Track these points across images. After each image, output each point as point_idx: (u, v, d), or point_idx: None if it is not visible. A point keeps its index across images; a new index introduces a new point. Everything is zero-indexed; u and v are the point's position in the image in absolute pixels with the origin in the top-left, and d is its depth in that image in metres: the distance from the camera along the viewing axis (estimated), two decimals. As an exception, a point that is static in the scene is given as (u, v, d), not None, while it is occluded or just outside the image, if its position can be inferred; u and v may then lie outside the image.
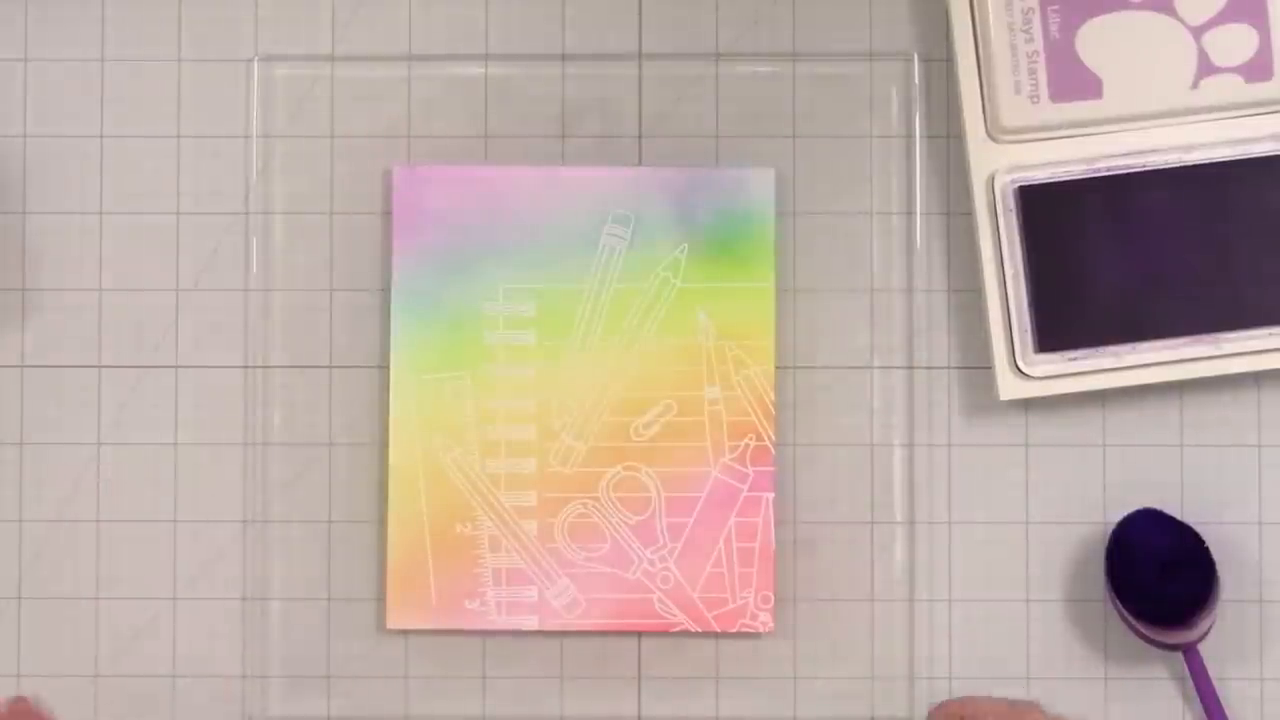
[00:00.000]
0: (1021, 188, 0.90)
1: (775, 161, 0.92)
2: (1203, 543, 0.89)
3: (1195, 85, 0.90)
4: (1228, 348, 0.89)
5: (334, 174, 0.93)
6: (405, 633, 0.92)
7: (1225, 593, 0.91)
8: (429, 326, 0.91)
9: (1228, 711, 0.90)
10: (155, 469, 0.92)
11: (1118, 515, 0.91)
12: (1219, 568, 0.90)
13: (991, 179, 0.90)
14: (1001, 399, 0.90)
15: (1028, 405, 0.92)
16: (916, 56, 0.92)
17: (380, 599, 0.92)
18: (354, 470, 0.92)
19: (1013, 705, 0.89)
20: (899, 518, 0.91)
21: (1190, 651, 0.89)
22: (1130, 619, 0.89)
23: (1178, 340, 0.89)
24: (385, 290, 0.92)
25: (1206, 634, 0.90)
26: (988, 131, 0.90)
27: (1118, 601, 0.89)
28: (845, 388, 0.92)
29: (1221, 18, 0.90)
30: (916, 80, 0.92)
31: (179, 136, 0.93)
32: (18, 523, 0.92)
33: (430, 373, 0.91)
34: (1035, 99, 0.90)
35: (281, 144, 0.93)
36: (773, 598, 0.91)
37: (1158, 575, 0.89)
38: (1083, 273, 0.89)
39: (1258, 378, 0.92)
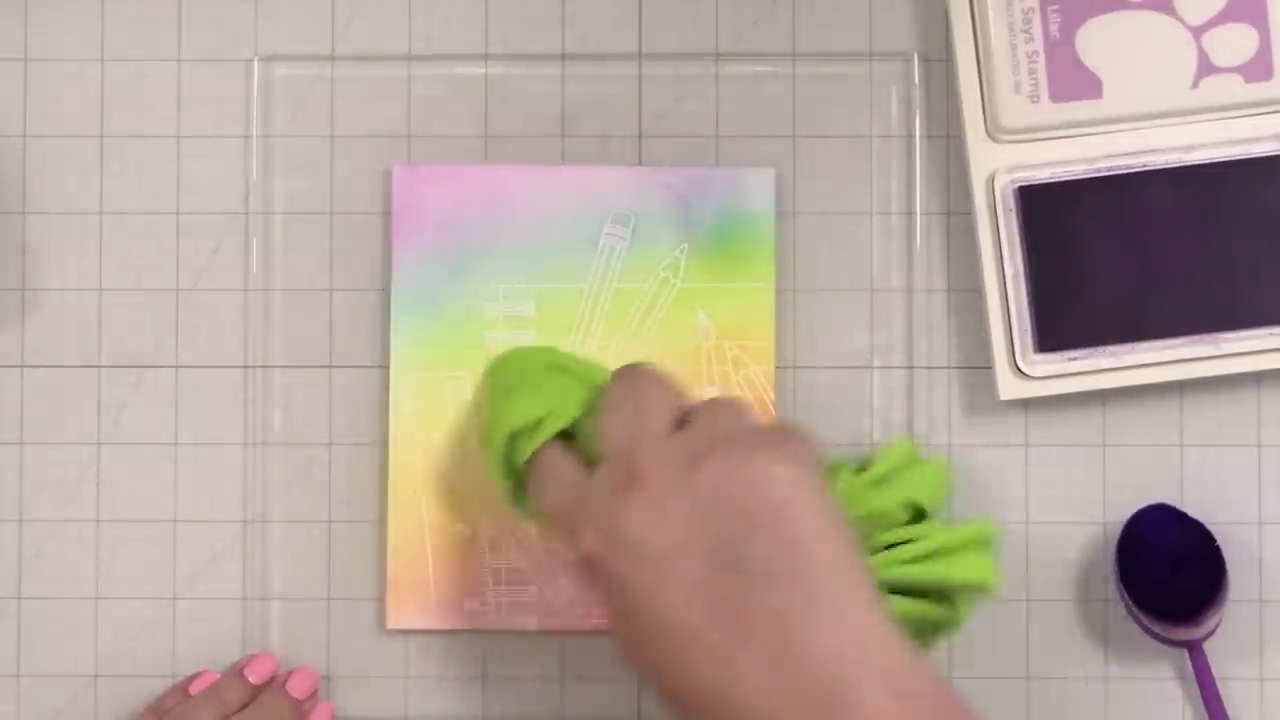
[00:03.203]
0: (1021, 188, 0.90)
1: (775, 161, 0.92)
2: (1214, 540, 0.89)
3: (1195, 85, 0.90)
4: (1228, 348, 0.89)
5: (334, 174, 0.93)
6: (405, 633, 0.92)
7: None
8: (429, 326, 0.91)
9: (1228, 711, 0.90)
10: (155, 469, 0.92)
11: (1118, 515, 0.91)
12: (1227, 565, 0.90)
13: (991, 179, 0.90)
14: (1001, 399, 0.90)
15: (1028, 405, 0.92)
16: (916, 56, 0.92)
17: (380, 599, 0.92)
18: (354, 470, 0.92)
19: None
20: (899, 518, 0.91)
21: (1195, 649, 0.89)
22: (1138, 614, 0.89)
23: (1178, 340, 0.89)
24: (385, 290, 0.92)
25: (1213, 632, 0.90)
26: (988, 131, 0.90)
27: (1126, 596, 0.89)
28: (845, 388, 0.92)
29: (1221, 18, 0.90)
30: (916, 80, 0.92)
31: (179, 136, 0.93)
32: (18, 523, 0.92)
33: (430, 373, 0.91)
34: (1035, 99, 0.90)
35: (281, 144, 0.93)
36: (773, 598, 0.91)
37: (1169, 571, 0.89)
38: (1083, 273, 0.89)
39: (1258, 378, 0.92)
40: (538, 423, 0.82)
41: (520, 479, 0.83)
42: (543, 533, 0.85)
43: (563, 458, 0.81)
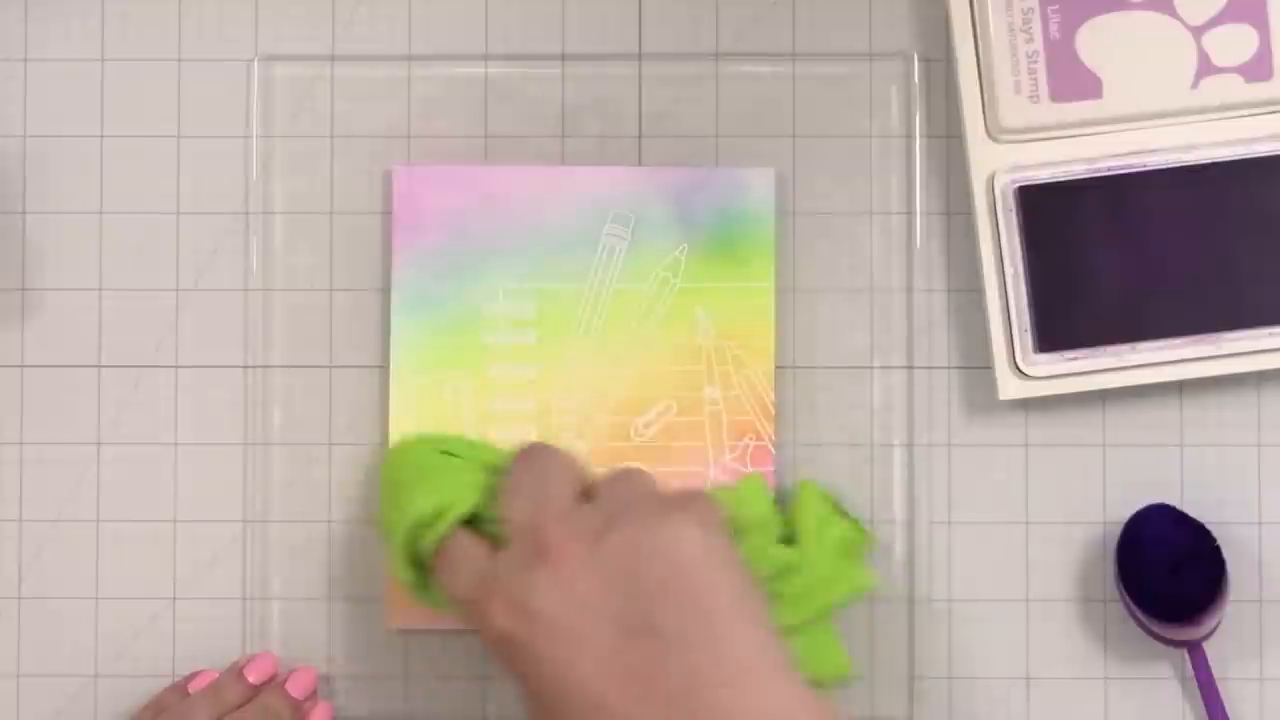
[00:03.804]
0: (1021, 188, 0.90)
1: (775, 161, 0.92)
2: (1214, 540, 0.89)
3: (1195, 85, 0.90)
4: (1228, 348, 0.89)
5: (334, 174, 0.93)
6: (405, 633, 0.92)
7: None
8: (429, 326, 0.91)
9: (1228, 711, 0.90)
10: (155, 469, 0.92)
11: (1118, 515, 0.91)
12: (1227, 566, 0.90)
13: (991, 179, 0.90)
14: (1001, 399, 0.90)
15: (1028, 405, 0.92)
16: (916, 56, 0.92)
17: (380, 599, 0.92)
18: (354, 470, 0.92)
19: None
20: (899, 518, 0.91)
21: (1195, 649, 0.89)
22: (1138, 614, 0.89)
23: (1178, 340, 0.89)
24: (385, 290, 0.92)
25: (1213, 632, 0.90)
26: (988, 131, 0.90)
27: (1126, 596, 0.89)
28: (845, 388, 0.92)
29: (1221, 18, 0.90)
30: (916, 80, 0.92)
31: (179, 136, 0.93)
32: (18, 523, 0.92)
33: (430, 373, 0.91)
34: (1035, 99, 0.90)
35: (281, 144, 0.93)
36: (773, 598, 0.91)
37: (1169, 571, 0.89)
38: (1083, 273, 0.89)
39: (1258, 378, 0.92)
40: (437, 514, 0.82)
41: (426, 571, 0.83)
42: (457, 619, 0.85)
43: (469, 541, 0.81)
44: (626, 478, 0.80)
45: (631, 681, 0.73)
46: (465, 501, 0.82)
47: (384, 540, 0.85)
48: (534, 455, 0.81)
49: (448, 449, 0.85)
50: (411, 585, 0.84)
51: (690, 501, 0.77)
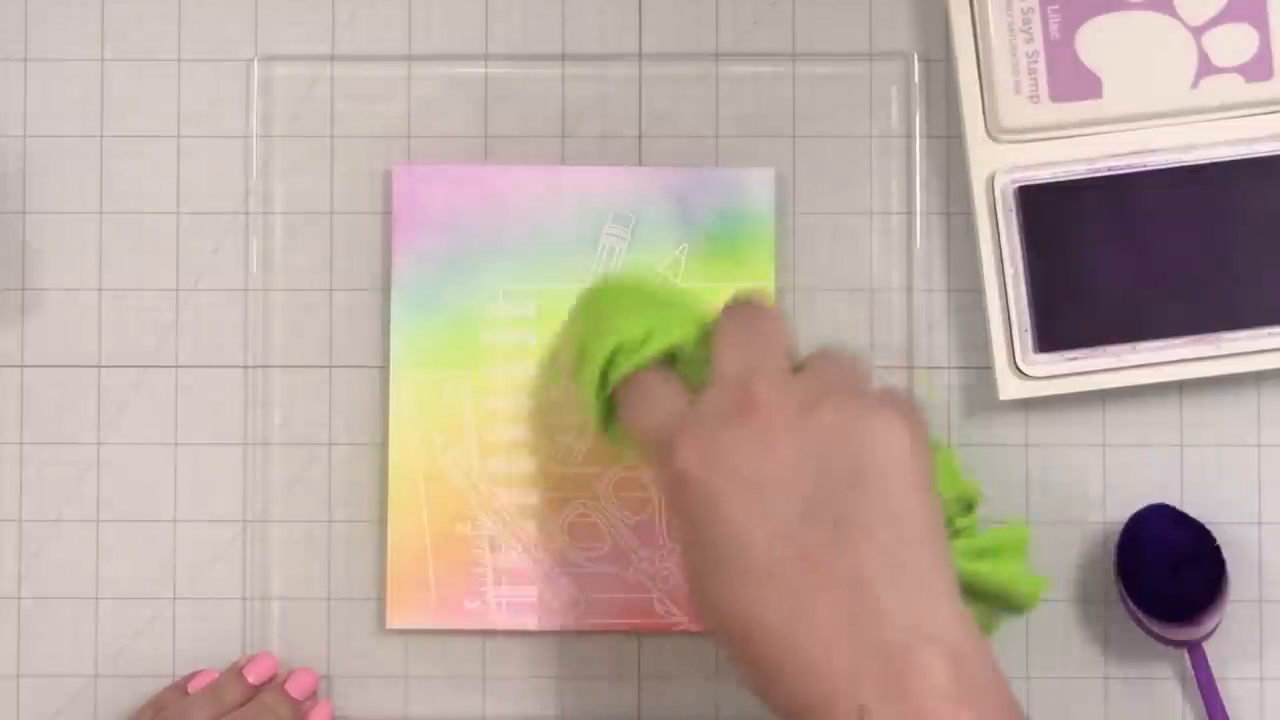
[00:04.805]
0: (1021, 188, 0.90)
1: (775, 161, 0.92)
2: (1214, 540, 0.89)
3: (1195, 85, 0.90)
4: (1228, 348, 0.89)
5: (334, 174, 0.93)
6: (405, 633, 0.92)
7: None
8: (429, 326, 0.91)
9: (1228, 711, 0.90)
10: (155, 469, 0.92)
11: (1118, 515, 0.91)
12: (1227, 566, 0.90)
13: (991, 179, 0.90)
14: (1001, 399, 0.90)
15: (1028, 405, 0.92)
16: (916, 56, 0.92)
17: (380, 599, 0.92)
18: (354, 470, 0.92)
19: None
20: (899, 518, 0.91)
21: (1195, 649, 0.89)
22: (1138, 614, 0.89)
23: (1178, 340, 0.89)
24: (385, 290, 0.92)
25: (1213, 632, 0.90)
26: (988, 131, 0.90)
27: (1126, 596, 0.89)
28: (845, 388, 0.92)
29: (1221, 18, 0.90)
30: (916, 80, 0.92)
31: (179, 136, 0.93)
32: (18, 523, 0.92)
33: (430, 373, 0.91)
34: (1035, 99, 0.90)
35: (281, 144, 0.93)
36: (773, 598, 0.91)
37: (1169, 571, 0.89)
38: (1083, 273, 0.89)
39: (1258, 378, 0.92)
40: (642, 340, 0.80)
41: (609, 402, 0.82)
42: (631, 455, 0.82)
43: (664, 378, 0.79)
44: (842, 358, 0.78)
45: (803, 561, 0.72)
46: (673, 334, 0.80)
47: (576, 363, 0.83)
48: (751, 311, 0.79)
49: (659, 290, 0.84)
50: (595, 416, 0.82)
51: (902, 402, 0.76)
